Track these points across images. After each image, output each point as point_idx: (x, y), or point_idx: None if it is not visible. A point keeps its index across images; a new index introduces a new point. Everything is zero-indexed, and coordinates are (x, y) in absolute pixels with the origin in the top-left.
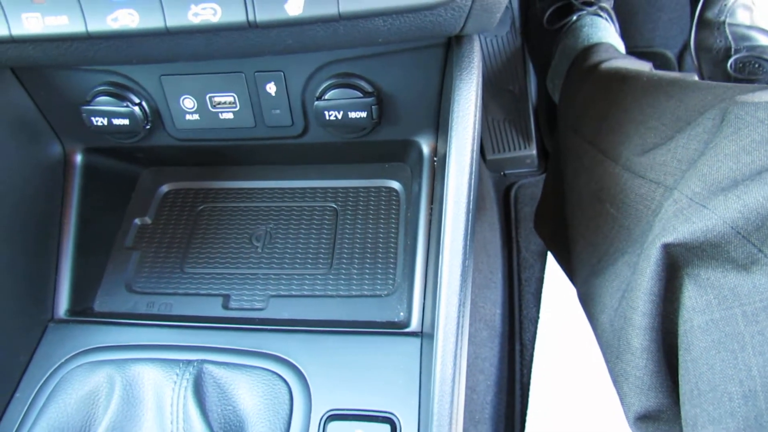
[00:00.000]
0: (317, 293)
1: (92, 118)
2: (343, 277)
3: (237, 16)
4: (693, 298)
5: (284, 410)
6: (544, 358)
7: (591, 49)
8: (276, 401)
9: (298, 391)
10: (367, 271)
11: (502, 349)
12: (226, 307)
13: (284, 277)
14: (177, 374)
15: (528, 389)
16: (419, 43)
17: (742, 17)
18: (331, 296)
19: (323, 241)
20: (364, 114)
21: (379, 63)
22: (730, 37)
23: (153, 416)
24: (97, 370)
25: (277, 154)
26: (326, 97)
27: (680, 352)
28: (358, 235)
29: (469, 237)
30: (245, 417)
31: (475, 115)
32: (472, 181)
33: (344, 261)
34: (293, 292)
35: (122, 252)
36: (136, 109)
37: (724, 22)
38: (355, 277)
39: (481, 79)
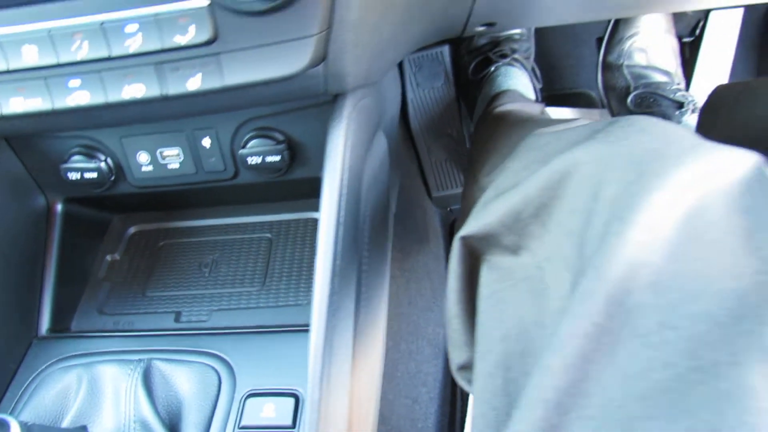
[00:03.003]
0: (251, 306)
1: (68, 174)
2: (272, 292)
3: (154, 91)
4: (484, 276)
5: (213, 392)
6: None
7: (498, 95)
8: (207, 386)
9: (226, 378)
10: (293, 286)
11: (446, 365)
12: (177, 320)
13: (225, 294)
14: (131, 369)
15: (467, 401)
16: (311, 102)
17: (638, 59)
18: (262, 307)
19: (259, 264)
20: (278, 158)
21: (288, 117)
22: (628, 77)
23: (111, 403)
24: (69, 372)
25: (220, 196)
26: (248, 146)
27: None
28: (287, 259)
29: (341, 249)
30: (183, 399)
31: (344, 154)
32: (342, 203)
33: (275, 280)
34: (232, 306)
35: (96, 283)
36: (103, 164)
37: (622, 65)
38: (282, 291)
39: (351, 127)
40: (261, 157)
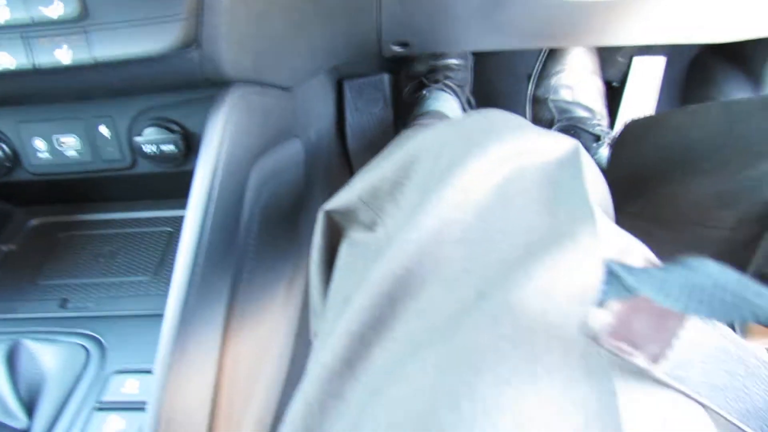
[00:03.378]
0: (140, 293)
1: None
2: (164, 281)
3: (24, 62)
4: (342, 250)
5: (78, 369)
6: None
7: (423, 115)
8: (74, 363)
9: (95, 356)
10: None
11: None
12: (62, 306)
13: (116, 283)
14: None
15: None
16: (204, 93)
17: (563, 94)
18: (151, 295)
19: (156, 256)
20: (173, 147)
21: (185, 109)
22: (553, 110)
23: None
24: None
25: (121, 188)
26: (144, 134)
27: None
28: None
29: (207, 240)
30: (46, 376)
31: (221, 140)
32: (213, 194)
33: (167, 269)
34: (120, 294)
35: None
36: None
37: (548, 99)
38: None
39: (233, 118)
40: (156, 145)
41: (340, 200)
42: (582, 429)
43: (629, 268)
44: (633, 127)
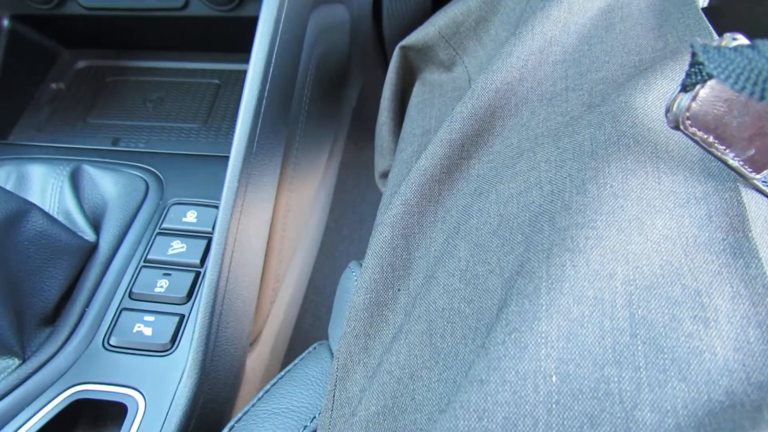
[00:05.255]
0: (190, 139)
1: None
2: (213, 129)
3: None
4: (416, 89)
5: (139, 197)
6: None
7: None
8: (134, 191)
9: (153, 187)
10: (234, 127)
11: None
12: (114, 144)
13: (167, 128)
14: (60, 168)
15: None
16: None
17: None
18: (201, 141)
19: (204, 105)
20: None
21: None
22: None
23: (37, 197)
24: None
25: (170, 34)
26: None
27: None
28: (232, 104)
29: (269, 88)
30: (108, 200)
31: None
32: (276, 40)
33: (217, 119)
34: (171, 138)
35: (38, 106)
36: None
37: None
38: (223, 130)
39: None
40: None
41: (418, 36)
42: (706, 219)
43: (707, 47)
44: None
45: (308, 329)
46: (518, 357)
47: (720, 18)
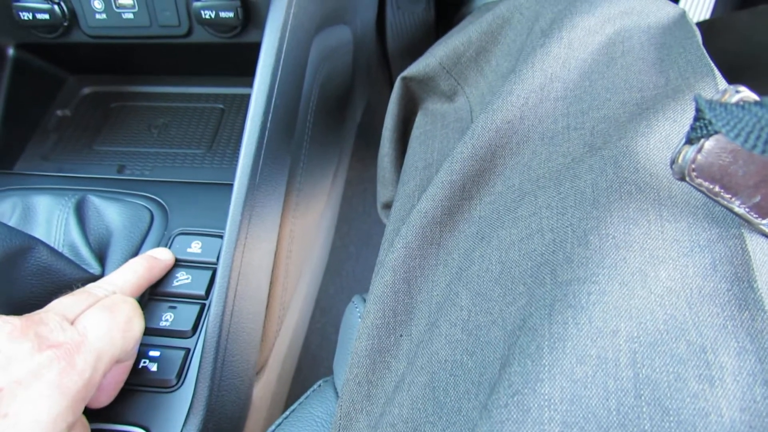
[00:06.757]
0: (195, 165)
1: (20, 13)
2: (218, 155)
3: None
4: (418, 120)
5: (144, 227)
6: None
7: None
8: (139, 221)
9: (158, 217)
10: (239, 152)
11: None
12: (120, 172)
13: (171, 154)
14: (65, 200)
15: None
16: None
17: None
18: (206, 167)
19: (208, 130)
20: (232, 14)
21: None
22: None
23: (43, 229)
24: (4, 200)
25: (174, 60)
26: None
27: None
28: (236, 129)
29: (272, 113)
30: (113, 230)
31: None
32: (280, 65)
33: (221, 145)
34: (176, 164)
35: (43, 133)
36: (56, 6)
37: None
38: (228, 155)
39: None
40: (214, 11)
41: (419, 66)
42: (710, 269)
43: (713, 103)
44: None
45: (316, 350)
46: (521, 421)
47: (720, 34)
